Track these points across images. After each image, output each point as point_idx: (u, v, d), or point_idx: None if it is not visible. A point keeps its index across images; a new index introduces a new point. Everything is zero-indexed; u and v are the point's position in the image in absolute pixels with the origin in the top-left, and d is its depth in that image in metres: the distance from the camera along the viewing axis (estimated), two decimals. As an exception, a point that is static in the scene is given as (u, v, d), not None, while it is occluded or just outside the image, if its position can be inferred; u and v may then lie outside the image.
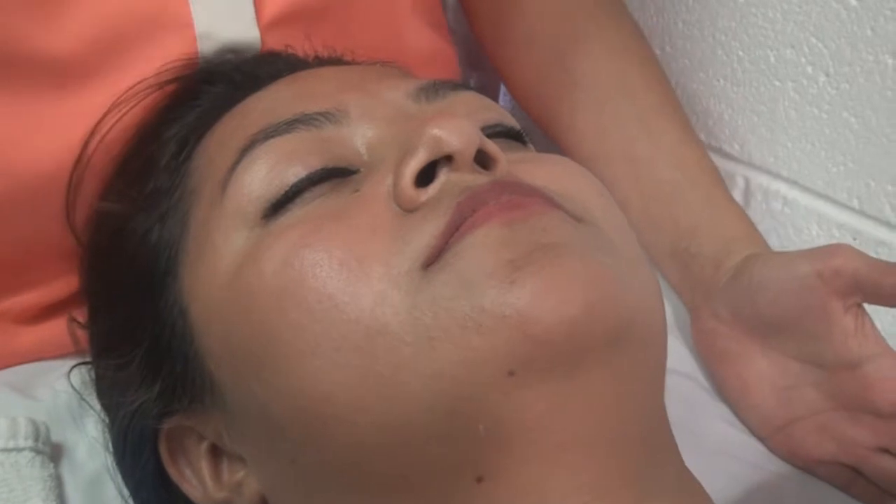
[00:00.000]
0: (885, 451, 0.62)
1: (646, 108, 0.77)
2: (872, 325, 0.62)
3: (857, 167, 0.76)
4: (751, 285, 0.64)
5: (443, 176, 0.45)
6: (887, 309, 0.67)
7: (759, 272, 0.64)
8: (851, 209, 0.77)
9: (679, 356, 0.72)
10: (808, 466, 0.65)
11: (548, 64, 0.80)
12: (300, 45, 0.60)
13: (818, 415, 0.63)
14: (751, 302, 0.64)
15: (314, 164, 0.48)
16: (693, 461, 0.48)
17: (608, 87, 0.78)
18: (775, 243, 0.83)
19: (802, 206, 0.81)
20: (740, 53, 0.83)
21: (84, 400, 0.59)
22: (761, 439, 0.67)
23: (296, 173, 0.47)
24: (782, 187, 0.82)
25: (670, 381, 0.50)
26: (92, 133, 0.57)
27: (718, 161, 0.87)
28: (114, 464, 0.56)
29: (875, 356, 0.60)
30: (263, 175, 0.48)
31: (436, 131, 0.45)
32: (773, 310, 0.63)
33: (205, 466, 0.51)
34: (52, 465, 0.57)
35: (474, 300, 0.41)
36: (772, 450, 0.66)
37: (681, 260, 0.72)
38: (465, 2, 0.80)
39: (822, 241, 0.80)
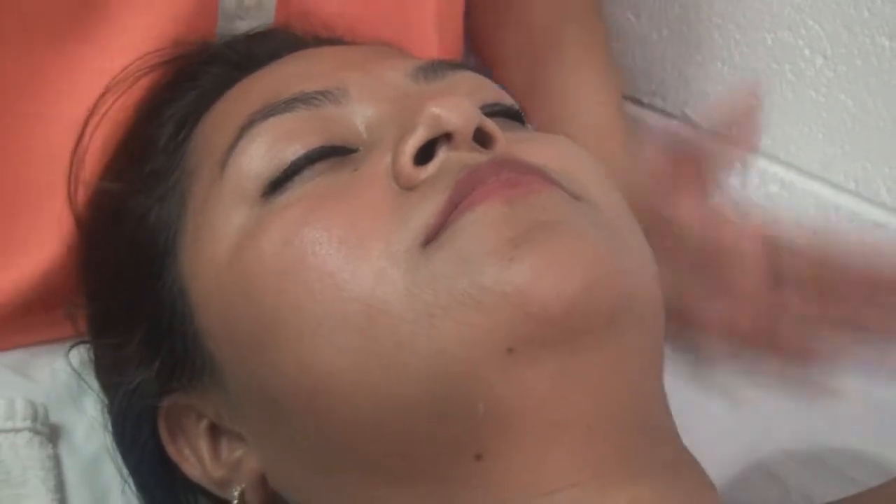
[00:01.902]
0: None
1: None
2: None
3: (854, 149, 0.76)
4: None
5: (442, 154, 0.45)
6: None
7: None
8: (848, 191, 0.78)
9: (679, 338, 0.72)
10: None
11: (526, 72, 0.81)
12: (299, 25, 0.60)
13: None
14: None
15: (313, 142, 0.48)
16: (692, 442, 0.48)
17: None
18: (773, 226, 0.83)
19: (799, 188, 0.81)
20: (737, 36, 0.83)
21: (83, 380, 0.58)
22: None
23: (295, 151, 0.47)
24: (779, 170, 0.83)
25: (670, 364, 0.50)
26: (92, 111, 0.57)
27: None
28: (113, 443, 0.56)
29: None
30: (263, 153, 0.48)
31: (435, 109, 0.45)
32: None
33: (203, 445, 0.51)
34: (50, 445, 0.57)
35: (474, 277, 0.41)
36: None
37: None
38: None
39: (819, 224, 0.81)
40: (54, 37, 0.57)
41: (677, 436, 0.48)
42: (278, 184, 0.47)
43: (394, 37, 0.61)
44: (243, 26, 0.61)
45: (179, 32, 0.58)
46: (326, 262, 0.44)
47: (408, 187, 0.45)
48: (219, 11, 0.60)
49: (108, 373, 0.56)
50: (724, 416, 0.68)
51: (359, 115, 0.49)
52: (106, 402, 0.57)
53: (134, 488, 0.56)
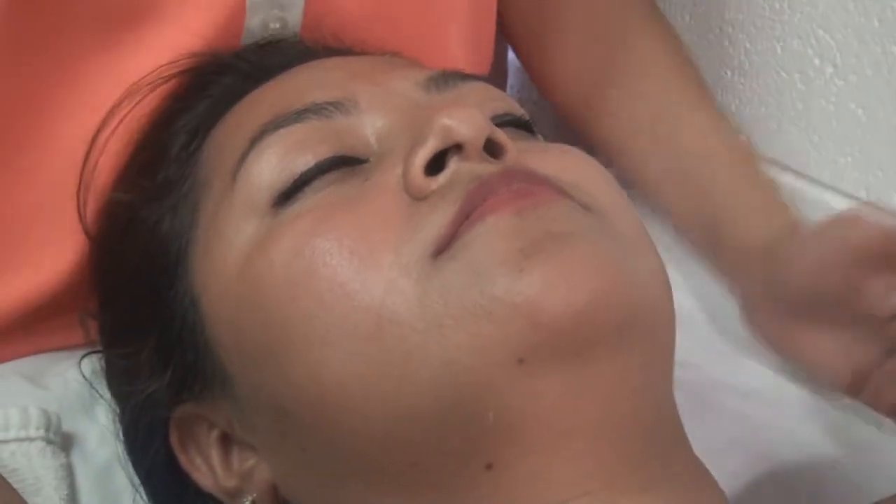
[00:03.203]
0: None
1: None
2: None
3: (865, 158, 0.76)
4: (781, 279, 0.64)
5: (453, 165, 0.46)
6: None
7: (783, 269, 0.63)
8: (859, 200, 0.77)
9: (689, 348, 0.72)
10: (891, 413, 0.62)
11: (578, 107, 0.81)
12: (309, 36, 0.60)
13: (884, 365, 0.61)
14: (786, 292, 0.64)
15: (324, 152, 0.48)
16: (703, 452, 0.48)
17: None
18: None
19: (810, 197, 0.81)
20: (747, 45, 0.83)
21: (95, 389, 0.59)
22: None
23: (305, 162, 0.48)
24: (790, 179, 0.82)
25: (682, 374, 0.50)
26: (103, 122, 0.57)
27: (726, 153, 0.87)
28: (125, 452, 0.56)
29: None
30: (274, 164, 0.48)
31: (446, 120, 0.45)
32: (808, 293, 0.62)
33: (215, 455, 0.51)
34: (63, 454, 0.57)
35: (484, 288, 0.42)
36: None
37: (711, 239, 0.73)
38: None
39: (829, 233, 0.80)
40: (78, 51, 0.57)
41: (688, 445, 0.48)
42: (289, 194, 0.47)
43: (419, 42, 0.61)
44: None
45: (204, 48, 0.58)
46: (337, 272, 0.44)
47: (419, 198, 0.45)
48: (243, 33, 0.60)
49: (120, 382, 0.56)
50: (734, 426, 0.68)
51: (369, 126, 0.50)
52: (118, 411, 0.57)
53: (145, 497, 0.56)
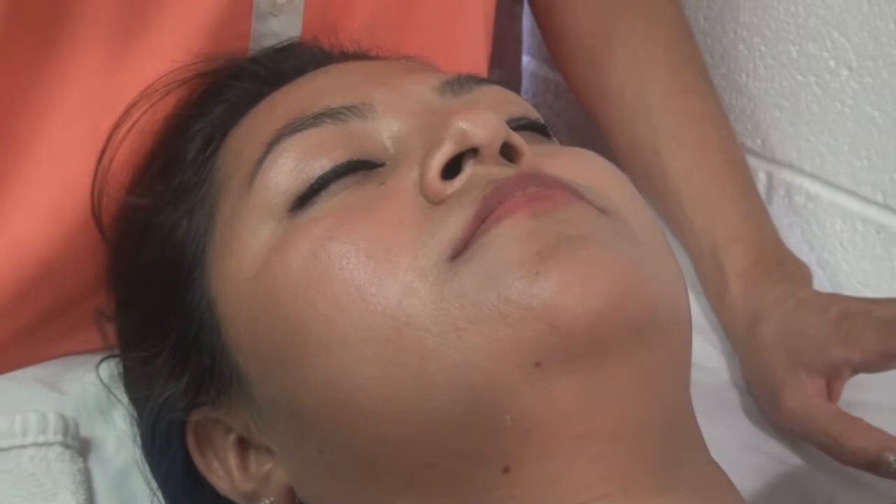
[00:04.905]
0: None
1: (659, 130, 0.78)
2: None
3: (881, 161, 0.76)
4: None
5: (469, 168, 0.46)
6: None
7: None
8: (875, 203, 0.77)
9: (707, 353, 0.72)
10: None
11: (582, 65, 0.82)
12: (327, 40, 0.60)
13: None
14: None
15: (340, 157, 0.48)
16: (720, 455, 0.48)
17: (629, 105, 0.80)
18: (799, 239, 0.83)
19: (826, 200, 0.81)
20: (762, 48, 0.83)
21: (112, 393, 0.59)
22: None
23: (322, 166, 0.48)
24: (805, 182, 0.82)
25: (699, 377, 0.50)
26: (117, 125, 0.57)
27: (740, 156, 0.87)
28: (142, 456, 0.56)
29: None
30: (290, 168, 0.48)
31: (462, 124, 0.45)
32: None
33: (232, 458, 0.51)
34: (80, 459, 0.57)
35: (500, 291, 0.42)
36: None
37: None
38: None
39: (846, 237, 0.80)
40: (91, 45, 0.57)
41: (705, 447, 0.48)
42: (305, 198, 0.47)
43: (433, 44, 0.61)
44: (275, 24, 0.61)
45: (215, 33, 0.59)
46: (353, 275, 0.44)
47: (435, 202, 0.45)
48: (252, 10, 0.60)
49: (137, 386, 0.56)
50: (751, 429, 0.68)
51: (385, 130, 0.50)
52: (135, 415, 0.57)
53: (163, 501, 0.56)
